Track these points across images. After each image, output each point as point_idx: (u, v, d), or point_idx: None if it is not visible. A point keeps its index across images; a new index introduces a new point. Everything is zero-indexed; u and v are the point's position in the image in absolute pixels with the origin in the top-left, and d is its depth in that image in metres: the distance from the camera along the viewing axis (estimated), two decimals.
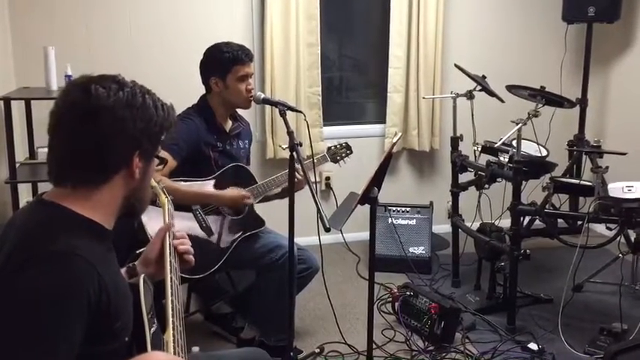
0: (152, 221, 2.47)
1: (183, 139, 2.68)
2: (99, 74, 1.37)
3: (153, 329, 1.38)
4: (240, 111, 3.03)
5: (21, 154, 3.41)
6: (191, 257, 1.62)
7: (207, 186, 2.80)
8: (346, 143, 3.21)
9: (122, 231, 1.51)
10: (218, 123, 2.89)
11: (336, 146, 3.19)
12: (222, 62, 2.81)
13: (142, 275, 1.42)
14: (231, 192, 2.80)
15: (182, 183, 2.71)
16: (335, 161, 3.16)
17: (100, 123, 1.30)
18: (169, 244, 1.56)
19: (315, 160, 3.04)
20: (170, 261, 1.51)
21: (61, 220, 1.29)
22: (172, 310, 1.38)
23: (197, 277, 2.68)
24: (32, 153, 3.45)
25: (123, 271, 1.56)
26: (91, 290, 1.22)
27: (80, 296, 1.20)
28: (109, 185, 1.35)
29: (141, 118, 1.34)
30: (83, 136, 1.30)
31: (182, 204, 2.58)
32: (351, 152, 3.20)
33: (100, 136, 1.30)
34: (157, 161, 1.47)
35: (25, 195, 3.49)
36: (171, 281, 1.45)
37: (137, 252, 1.84)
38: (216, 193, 2.78)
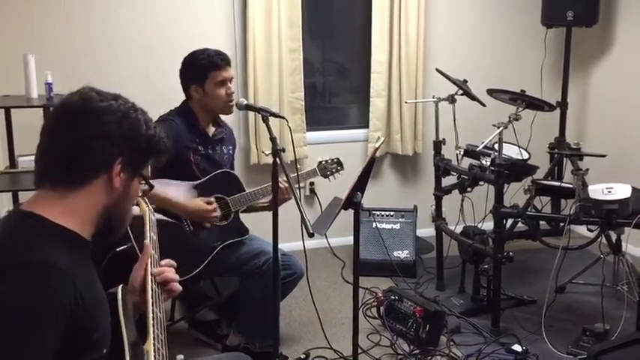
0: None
1: None
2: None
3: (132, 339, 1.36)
4: (222, 116, 3.03)
5: (1, 163, 3.37)
6: (175, 285, 1.53)
7: (191, 191, 2.77)
8: (338, 159, 3.13)
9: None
10: (200, 127, 2.88)
11: (327, 161, 3.11)
12: (200, 69, 2.81)
13: (121, 285, 1.41)
14: (194, 204, 2.74)
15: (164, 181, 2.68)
16: (325, 176, 3.10)
17: (86, 123, 1.33)
18: (150, 273, 1.48)
19: (305, 174, 3.06)
20: (153, 287, 1.46)
21: (36, 228, 1.28)
22: (154, 319, 1.37)
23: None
24: (12, 162, 3.39)
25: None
26: (66, 301, 1.21)
27: (55, 307, 1.19)
28: (88, 189, 1.34)
29: (128, 127, 1.36)
30: (67, 134, 1.33)
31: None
32: (342, 169, 3.12)
33: (83, 135, 1.32)
34: (141, 181, 1.46)
35: (5, 204, 3.45)
36: (152, 290, 1.43)
37: (117, 250, 1.81)
38: (179, 202, 2.71)
